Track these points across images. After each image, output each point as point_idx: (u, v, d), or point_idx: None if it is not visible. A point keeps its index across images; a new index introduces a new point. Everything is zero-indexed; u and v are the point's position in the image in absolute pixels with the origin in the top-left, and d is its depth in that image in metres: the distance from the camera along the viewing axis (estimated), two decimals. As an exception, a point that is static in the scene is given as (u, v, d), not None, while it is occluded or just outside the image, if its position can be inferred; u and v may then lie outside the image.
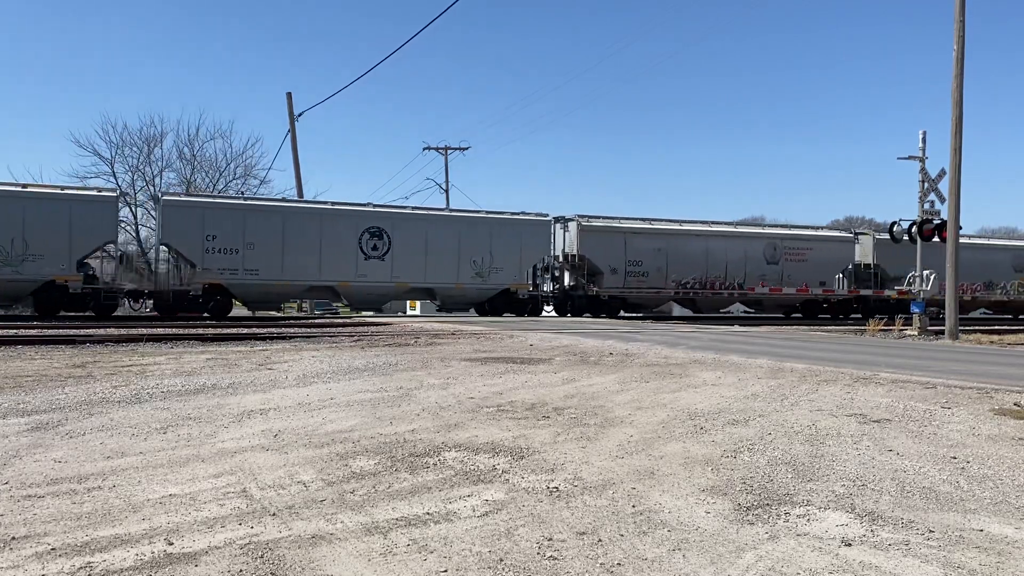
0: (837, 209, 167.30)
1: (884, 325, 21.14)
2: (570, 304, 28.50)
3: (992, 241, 36.92)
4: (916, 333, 19.83)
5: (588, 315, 27.65)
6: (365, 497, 3.91)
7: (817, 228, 34.98)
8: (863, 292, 31.57)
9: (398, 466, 4.56)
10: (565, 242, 28.77)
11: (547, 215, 29.27)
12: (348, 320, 23.77)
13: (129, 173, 41.78)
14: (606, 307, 28.48)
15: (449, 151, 45.25)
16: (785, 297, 31.05)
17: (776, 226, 36.42)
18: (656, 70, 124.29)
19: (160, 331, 15.35)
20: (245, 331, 16.08)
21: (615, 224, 29.32)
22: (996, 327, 24.68)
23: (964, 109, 18.39)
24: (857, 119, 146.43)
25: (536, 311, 28.08)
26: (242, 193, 36.62)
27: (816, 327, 24.19)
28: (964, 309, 31.65)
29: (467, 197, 67.52)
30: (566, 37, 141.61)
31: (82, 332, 14.85)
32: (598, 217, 29.32)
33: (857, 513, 3.70)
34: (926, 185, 21.11)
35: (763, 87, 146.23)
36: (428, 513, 3.66)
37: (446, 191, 44.93)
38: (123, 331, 15.40)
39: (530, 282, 28.20)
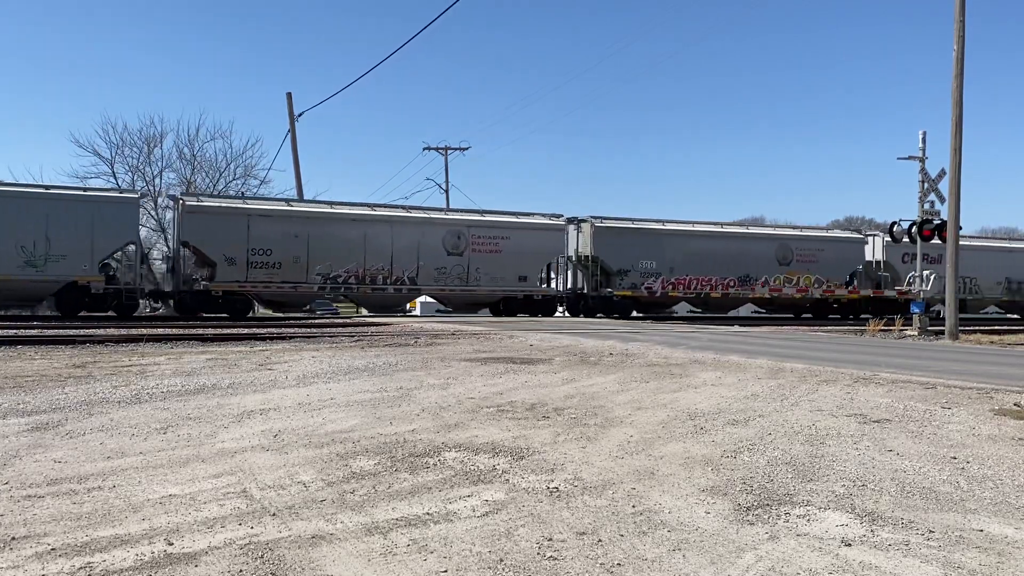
0: (837, 209, 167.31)
1: (884, 325, 21.13)
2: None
3: (752, 230, 32.94)
4: (916, 333, 19.83)
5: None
6: (365, 497, 3.91)
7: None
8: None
9: (398, 466, 4.56)
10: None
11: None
12: (348, 320, 23.77)
13: (129, 173, 41.69)
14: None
15: (449, 151, 45.25)
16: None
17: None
18: (656, 70, 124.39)
19: (160, 331, 15.35)
20: (245, 331, 16.07)
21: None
22: (996, 327, 24.67)
23: (964, 109, 18.39)
24: (857, 119, 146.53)
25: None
26: (242, 193, 36.59)
27: (816, 327, 24.18)
28: (723, 308, 30.60)
29: (467, 197, 67.45)
30: (566, 37, 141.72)
31: (82, 332, 14.86)
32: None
33: (857, 513, 3.70)
34: (926, 185, 21.11)
35: (763, 87, 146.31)
36: (428, 513, 3.66)
37: (446, 191, 44.94)
38: (123, 331, 15.40)
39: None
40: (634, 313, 29.26)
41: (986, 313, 35.03)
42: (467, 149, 62.75)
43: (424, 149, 46.34)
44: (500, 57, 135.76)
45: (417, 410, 6.47)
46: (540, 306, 27.62)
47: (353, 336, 15.29)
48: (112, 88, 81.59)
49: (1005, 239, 36.06)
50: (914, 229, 21.26)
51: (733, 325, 24.10)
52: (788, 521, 3.58)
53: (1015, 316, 35.20)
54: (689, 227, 30.56)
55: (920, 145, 21.64)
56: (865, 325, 22.64)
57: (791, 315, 31.77)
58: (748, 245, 30.68)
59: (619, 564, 3.04)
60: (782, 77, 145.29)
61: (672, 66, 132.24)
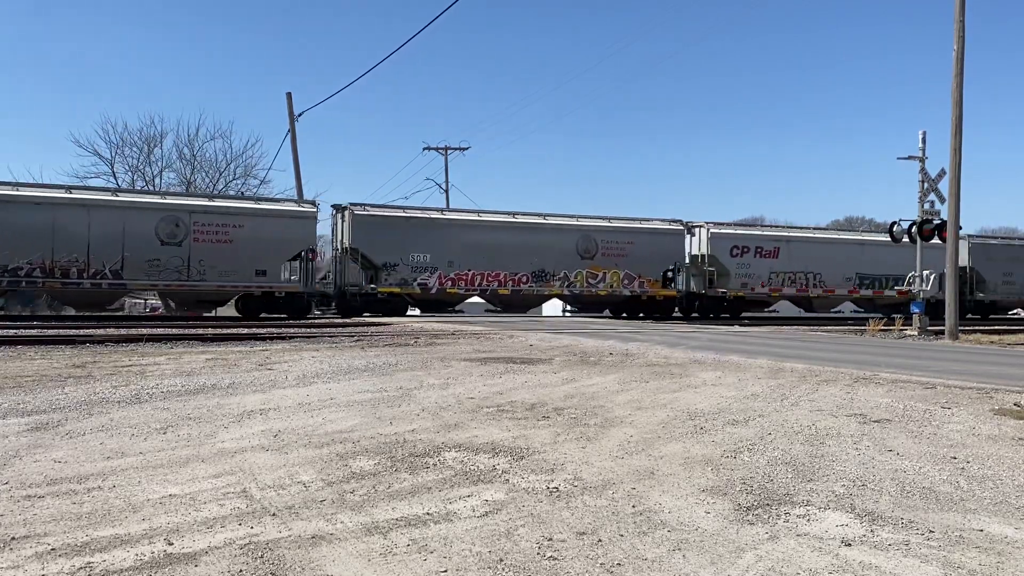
0: (837, 209, 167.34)
1: (884, 325, 21.13)
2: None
3: (550, 220, 28.81)
4: (916, 333, 19.83)
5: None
6: (365, 497, 3.91)
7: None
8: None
9: (398, 466, 4.56)
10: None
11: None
12: (348, 320, 23.79)
13: (129, 173, 41.78)
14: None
15: (449, 151, 45.30)
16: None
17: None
18: (656, 70, 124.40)
19: (160, 331, 15.35)
20: (245, 331, 16.09)
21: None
22: (997, 327, 24.65)
23: (964, 109, 18.40)
24: (857, 119, 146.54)
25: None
26: (242, 192, 36.57)
27: (816, 327, 24.17)
28: (517, 306, 27.57)
29: (467, 197, 67.56)
30: (566, 37, 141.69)
31: (82, 332, 14.86)
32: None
33: (857, 513, 3.70)
34: (926, 185, 21.11)
35: (763, 87, 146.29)
36: (428, 513, 3.66)
37: (446, 191, 44.97)
38: (123, 331, 15.41)
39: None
40: (413, 312, 27.37)
41: (839, 311, 33.07)
42: (467, 149, 62.83)
43: (424, 149, 46.48)
44: (500, 57, 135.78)
45: (417, 410, 6.47)
46: (284, 305, 25.64)
47: (353, 336, 15.29)
48: (112, 88, 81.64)
49: (856, 231, 33.93)
50: (914, 229, 21.26)
51: (733, 325, 24.08)
52: (788, 521, 3.58)
53: (878, 316, 33.27)
54: (474, 216, 28.38)
55: (920, 145, 21.65)
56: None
57: (602, 314, 29.35)
58: (545, 237, 27.95)
59: (619, 564, 3.04)
60: (782, 77, 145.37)
61: (672, 66, 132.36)
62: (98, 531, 3.37)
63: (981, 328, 22.56)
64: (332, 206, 26.86)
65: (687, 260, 30.12)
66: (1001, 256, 33.93)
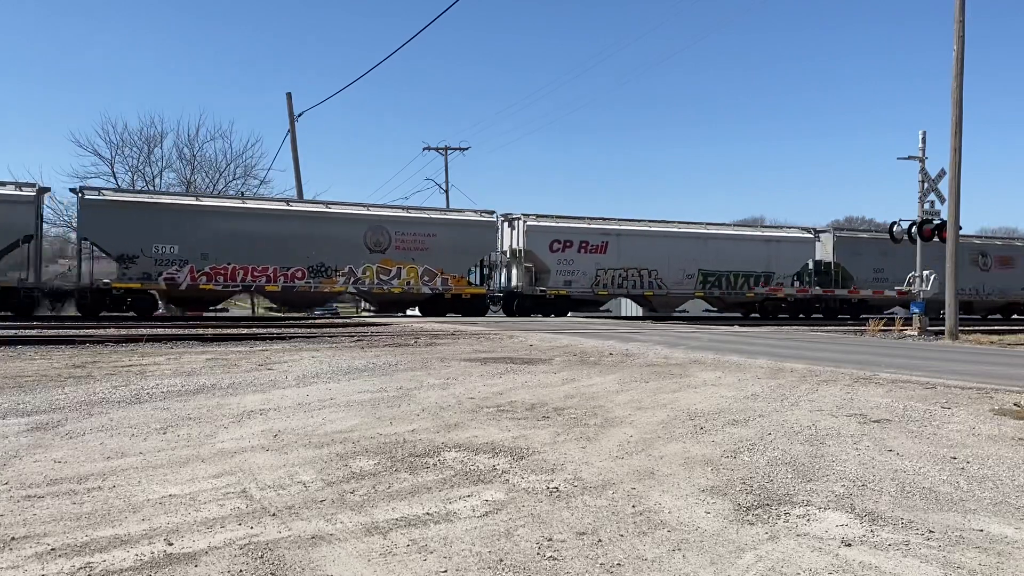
0: (837, 209, 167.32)
1: (884, 325, 21.14)
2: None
3: (334, 209, 26.19)
4: (916, 333, 19.83)
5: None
6: (365, 497, 3.91)
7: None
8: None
9: (398, 466, 4.55)
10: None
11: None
12: (348, 320, 23.79)
13: (129, 173, 41.73)
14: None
15: (449, 151, 45.28)
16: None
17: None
18: (655, 70, 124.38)
19: (160, 331, 15.35)
20: (245, 331, 16.08)
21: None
22: (997, 327, 24.66)
23: (964, 109, 18.41)
24: (857, 119, 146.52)
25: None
26: (242, 193, 36.58)
27: (817, 327, 24.17)
28: (296, 304, 25.41)
29: (467, 197, 67.48)
30: (565, 37, 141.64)
31: (82, 332, 14.86)
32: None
33: (857, 513, 3.70)
34: (926, 185, 21.12)
35: (763, 87, 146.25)
36: (428, 513, 3.66)
37: (446, 191, 44.94)
38: (123, 331, 15.41)
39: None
40: (158, 310, 24.94)
41: (683, 312, 31.03)
42: (467, 149, 62.80)
43: (424, 149, 46.43)
44: (500, 57, 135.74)
45: (417, 410, 6.47)
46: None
47: (353, 336, 15.29)
48: (112, 88, 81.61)
49: (700, 224, 31.55)
50: (914, 229, 21.27)
51: (733, 325, 24.09)
52: (788, 521, 3.58)
53: (736, 315, 31.07)
54: (236, 204, 25.94)
55: (920, 145, 21.66)
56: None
57: (400, 313, 27.29)
58: (327, 228, 25.15)
59: (619, 564, 3.04)
60: (781, 77, 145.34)
61: (671, 66, 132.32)
62: (98, 531, 3.37)
63: (981, 328, 22.56)
64: (71, 189, 24.47)
65: (506, 255, 28.00)
66: (870, 250, 31.89)
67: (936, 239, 20.78)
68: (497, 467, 4.54)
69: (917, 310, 20.72)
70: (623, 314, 35.16)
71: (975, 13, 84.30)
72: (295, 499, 3.87)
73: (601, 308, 30.75)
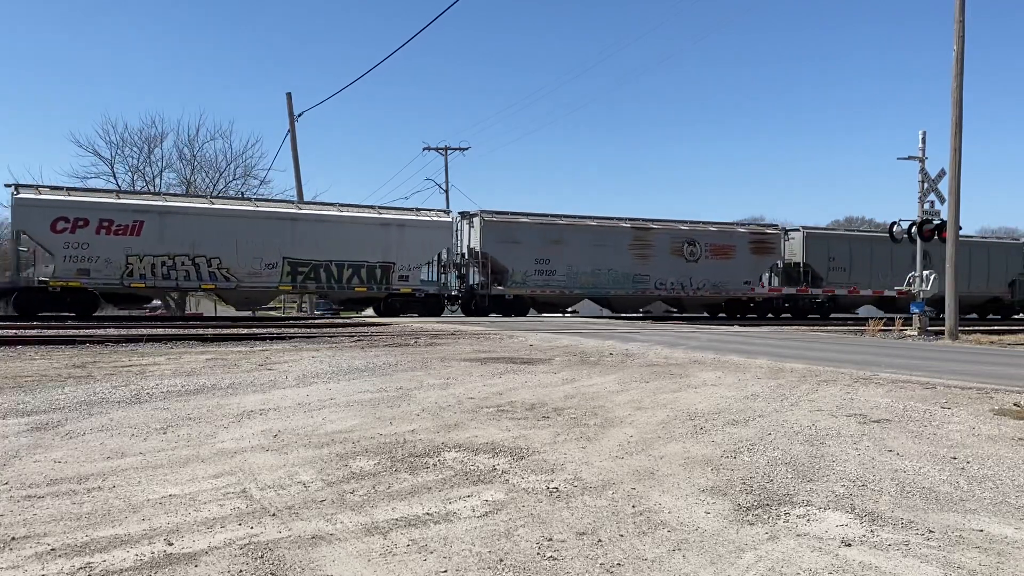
0: (837, 209, 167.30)
1: (884, 325, 21.14)
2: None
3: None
4: (916, 333, 19.83)
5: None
6: (365, 497, 3.91)
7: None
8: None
9: (398, 466, 4.55)
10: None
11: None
12: (348, 320, 23.77)
13: (129, 173, 41.72)
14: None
15: (449, 151, 45.27)
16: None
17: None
18: (655, 69, 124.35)
19: (160, 331, 15.35)
20: (245, 331, 16.08)
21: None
22: (997, 327, 24.66)
23: (964, 109, 18.42)
24: (857, 119, 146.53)
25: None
26: (242, 193, 36.58)
27: (816, 327, 24.17)
28: None
29: (467, 197, 67.47)
30: (566, 37, 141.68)
31: (82, 332, 14.86)
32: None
33: (857, 513, 3.70)
34: (926, 185, 21.11)
35: (762, 87, 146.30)
36: (428, 513, 3.66)
37: (446, 191, 44.92)
38: (123, 331, 15.41)
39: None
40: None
41: (270, 309, 28.35)
42: (467, 149, 62.79)
43: (424, 149, 46.42)
44: (500, 57, 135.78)
45: (417, 410, 6.47)
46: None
47: (353, 336, 15.29)
48: (112, 88, 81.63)
49: (283, 202, 28.19)
50: (914, 229, 21.27)
51: (733, 325, 24.09)
52: (788, 521, 3.58)
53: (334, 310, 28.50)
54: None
55: (920, 145, 21.64)
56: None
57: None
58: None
59: (619, 564, 3.04)
60: (781, 77, 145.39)
61: (670, 66, 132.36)
62: (98, 531, 3.37)
63: (981, 328, 22.55)
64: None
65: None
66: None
67: (919, 238, 20.76)
68: (497, 467, 4.55)
69: (917, 310, 20.71)
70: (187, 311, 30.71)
71: (975, 13, 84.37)
72: (295, 499, 3.87)
73: (147, 307, 26.92)
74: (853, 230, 35.44)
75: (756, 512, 3.71)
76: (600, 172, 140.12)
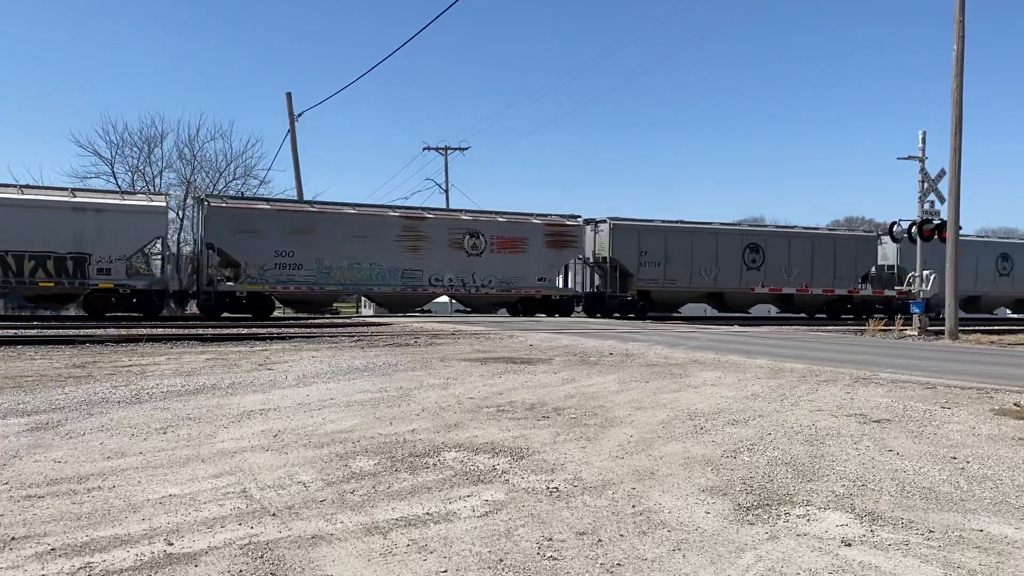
0: (837, 209, 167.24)
1: (885, 325, 21.14)
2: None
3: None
4: (916, 333, 19.83)
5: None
6: (365, 497, 3.91)
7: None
8: None
9: (398, 466, 4.56)
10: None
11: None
12: (348, 320, 23.78)
13: (129, 173, 41.73)
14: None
15: (449, 151, 45.26)
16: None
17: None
18: (655, 69, 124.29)
19: (160, 331, 15.35)
20: (245, 331, 16.09)
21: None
22: (997, 327, 24.68)
23: (964, 109, 18.41)
24: (857, 119, 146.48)
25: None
26: (242, 193, 36.58)
27: (816, 327, 24.18)
28: None
29: (467, 197, 67.31)
30: (566, 37, 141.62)
31: (82, 332, 14.86)
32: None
33: (857, 513, 3.70)
34: (926, 185, 21.12)
35: (762, 86, 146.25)
36: (428, 513, 3.66)
37: (446, 191, 44.89)
38: (123, 331, 15.41)
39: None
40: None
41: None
42: (467, 149, 62.73)
43: (424, 149, 46.35)
44: (500, 56, 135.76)
45: (417, 410, 6.47)
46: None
47: (353, 336, 15.29)
48: (112, 88, 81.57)
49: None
50: (914, 229, 21.27)
51: (733, 325, 24.09)
52: (788, 521, 3.58)
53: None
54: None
55: (920, 145, 21.65)
56: (858, 325, 22.59)
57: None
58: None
59: (619, 564, 3.04)
60: (781, 77, 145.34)
61: (670, 66, 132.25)
62: (98, 531, 3.37)
63: (981, 328, 22.56)
64: None
65: None
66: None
67: (919, 238, 20.78)
68: (497, 467, 4.55)
69: (917, 310, 20.72)
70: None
71: (975, 13, 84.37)
72: (295, 499, 3.87)
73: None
74: (670, 222, 30.41)
75: (756, 512, 3.71)
76: (600, 172, 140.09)
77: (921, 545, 3.27)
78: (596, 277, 29.54)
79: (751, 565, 3.04)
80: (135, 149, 42.17)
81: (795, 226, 36.75)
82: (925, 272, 21.40)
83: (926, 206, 21.16)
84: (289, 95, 35.70)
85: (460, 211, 28.71)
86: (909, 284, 21.90)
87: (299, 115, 35.83)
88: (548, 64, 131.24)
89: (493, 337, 15.09)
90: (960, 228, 19.14)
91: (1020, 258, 34.84)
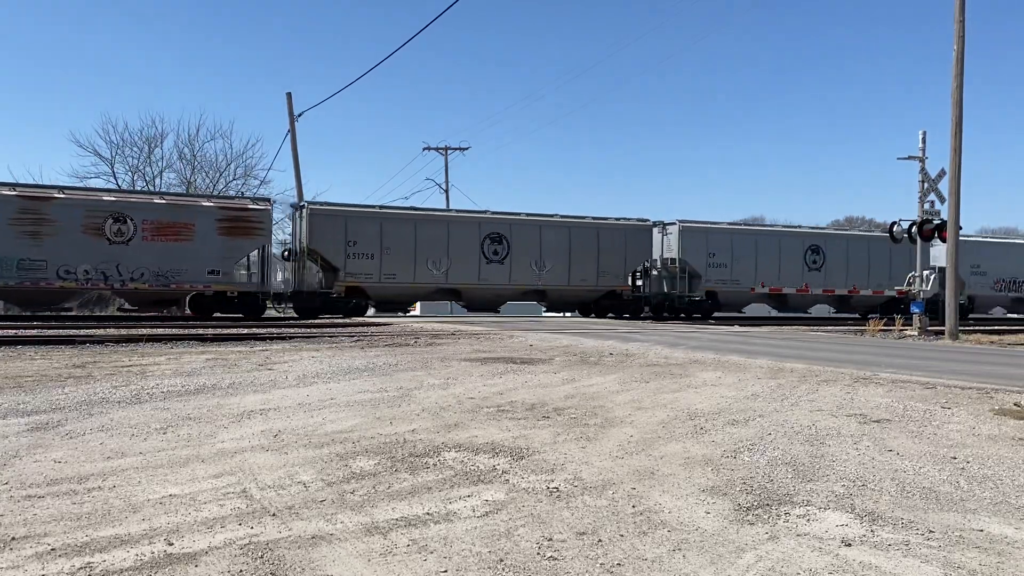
0: (837, 209, 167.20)
1: (884, 325, 21.14)
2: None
3: None
4: (916, 333, 19.83)
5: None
6: (365, 497, 3.91)
7: None
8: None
9: (398, 466, 4.56)
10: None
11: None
12: (348, 320, 23.78)
13: (129, 173, 41.70)
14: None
15: (449, 151, 45.24)
16: None
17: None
18: (655, 69, 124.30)
19: (160, 331, 15.35)
20: (245, 331, 16.09)
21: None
22: (997, 327, 24.67)
23: (964, 109, 18.40)
24: (857, 119, 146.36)
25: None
26: (241, 193, 36.59)
27: (816, 327, 24.17)
28: None
29: (467, 197, 67.26)
30: (566, 37, 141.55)
31: (82, 332, 14.86)
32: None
33: (857, 513, 3.70)
34: (926, 185, 21.11)
35: (762, 86, 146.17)
36: (428, 513, 3.66)
37: (446, 191, 44.87)
38: (123, 331, 15.41)
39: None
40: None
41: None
42: (467, 149, 62.72)
43: (424, 149, 46.30)
44: (500, 56, 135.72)
45: (417, 410, 6.47)
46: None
47: (353, 336, 15.30)
48: (112, 88, 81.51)
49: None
50: (914, 229, 21.27)
51: (734, 325, 24.10)
52: (788, 521, 3.58)
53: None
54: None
55: (920, 145, 21.64)
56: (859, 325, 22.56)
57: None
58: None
59: (619, 564, 3.04)
60: (781, 77, 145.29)
61: (671, 66, 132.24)
62: (98, 531, 3.37)
63: (981, 328, 22.55)
64: None
65: None
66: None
67: (919, 238, 20.77)
68: (497, 467, 4.55)
69: (917, 310, 20.72)
70: None
71: (975, 13, 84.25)
72: (295, 499, 3.87)
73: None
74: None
75: (756, 512, 3.71)
76: (600, 172, 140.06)
77: (921, 545, 3.27)
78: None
79: (751, 565, 3.04)
80: (135, 149, 42.14)
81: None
82: (926, 272, 21.41)
83: (926, 206, 21.15)
84: (289, 95, 35.67)
85: (100, 191, 24.97)
86: (909, 284, 21.90)
87: (299, 115, 35.79)
88: (549, 64, 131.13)
89: (493, 337, 15.09)
90: (960, 228, 19.14)
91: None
